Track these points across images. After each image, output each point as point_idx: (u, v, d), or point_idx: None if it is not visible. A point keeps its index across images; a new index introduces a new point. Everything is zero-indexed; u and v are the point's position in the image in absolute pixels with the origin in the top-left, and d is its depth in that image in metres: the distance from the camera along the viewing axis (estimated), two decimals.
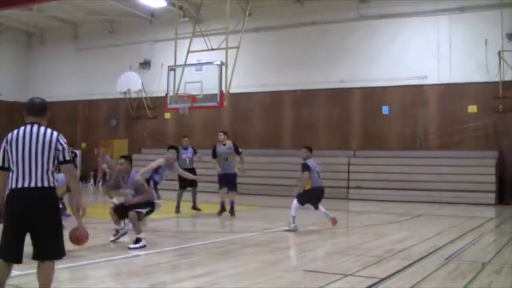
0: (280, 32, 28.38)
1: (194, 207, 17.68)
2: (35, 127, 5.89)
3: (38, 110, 6.08)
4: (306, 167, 13.49)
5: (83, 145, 33.49)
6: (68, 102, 34.64)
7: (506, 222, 17.43)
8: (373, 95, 26.27)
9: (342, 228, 14.93)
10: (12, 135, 5.80)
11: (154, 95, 30.22)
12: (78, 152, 31.96)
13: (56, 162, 5.90)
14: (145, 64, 32.36)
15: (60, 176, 6.20)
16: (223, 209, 16.94)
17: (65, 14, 33.22)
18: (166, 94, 23.24)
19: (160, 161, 14.16)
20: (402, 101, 25.76)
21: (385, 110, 26.00)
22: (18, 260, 5.73)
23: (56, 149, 5.91)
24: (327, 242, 12.24)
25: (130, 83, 30.77)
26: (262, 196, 24.50)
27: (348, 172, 24.97)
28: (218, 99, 21.86)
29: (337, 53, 26.94)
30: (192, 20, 28.32)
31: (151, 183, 13.31)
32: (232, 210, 16.79)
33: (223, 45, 22.45)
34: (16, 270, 7.89)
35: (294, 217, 13.37)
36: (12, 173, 5.73)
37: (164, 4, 28.69)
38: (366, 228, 14.74)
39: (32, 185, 5.69)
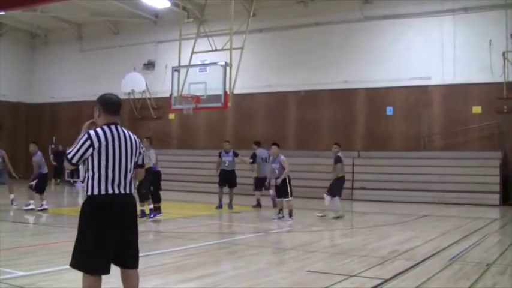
0: (284, 33, 28.37)
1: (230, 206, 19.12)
2: (120, 129, 5.55)
3: (118, 109, 5.69)
4: (339, 160, 16.77)
5: None
6: (71, 103, 34.70)
7: (511, 223, 17.39)
8: (378, 96, 26.24)
9: (346, 229, 14.95)
10: (100, 138, 5.34)
11: (159, 95, 30.22)
12: None
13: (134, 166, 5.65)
14: (150, 65, 32.38)
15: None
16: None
17: (69, 15, 33.28)
18: (171, 95, 23.25)
19: None
20: (406, 102, 25.73)
21: (389, 110, 25.97)
22: (108, 271, 5.33)
23: (140, 153, 5.71)
24: (330, 242, 12.26)
25: (134, 83, 30.76)
26: (264, 197, 24.47)
27: (352, 173, 24.92)
28: (222, 100, 21.89)
29: (341, 54, 26.92)
30: (196, 21, 28.31)
31: None
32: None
33: (227, 46, 22.46)
34: (20, 271, 7.96)
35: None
36: (100, 177, 5.30)
37: (168, 5, 28.69)
38: (370, 229, 14.72)
39: (126, 191, 5.44)
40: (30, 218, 15.25)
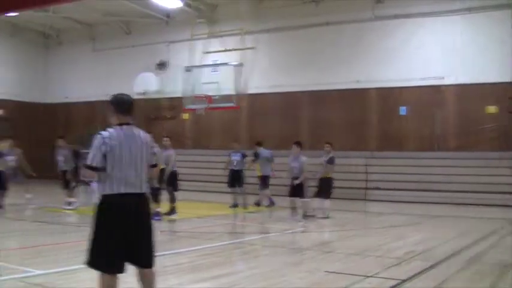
0: (295, 33, 28.25)
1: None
2: (133, 129, 5.59)
3: (130, 109, 5.71)
4: (333, 160, 16.65)
5: None
6: (85, 103, 34.76)
7: None
8: (390, 96, 26.10)
9: (361, 230, 14.89)
10: (113, 138, 5.40)
11: (172, 95, 30.21)
12: None
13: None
14: (162, 65, 32.35)
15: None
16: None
17: (81, 15, 33.35)
18: (183, 95, 23.32)
19: None
20: (419, 102, 25.55)
21: (402, 110, 25.81)
22: (123, 270, 5.41)
23: (152, 152, 5.77)
24: (346, 243, 12.20)
25: (147, 83, 30.78)
26: (278, 197, 24.41)
27: (366, 173, 24.83)
28: (234, 100, 21.95)
29: (353, 54, 26.78)
30: (207, 21, 28.40)
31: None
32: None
33: (239, 46, 22.51)
34: (37, 270, 7.98)
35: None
36: (114, 177, 5.35)
37: (180, 5, 28.69)
38: (385, 230, 14.66)
39: (138, 190, 5.46)
40: (46, 217, 15.29)
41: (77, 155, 33.60)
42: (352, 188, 23.72)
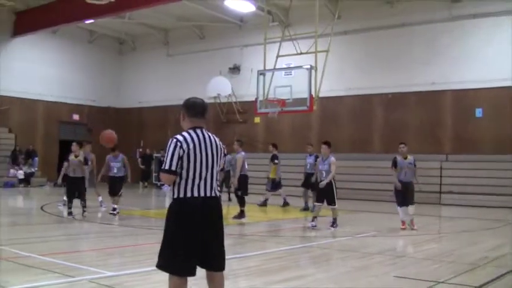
0: (370, 34, 28.01)
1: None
2: (205, 133, 5.56)
3: (203, 112, 5.67)
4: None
5: None
6: (158, 107, 35.39)
7: None
8: (465, 97, 25.53)
9: (434, 234, 14.64)
10: (188, 142, 5.39)
11: (244, 99, 30.41)
12: None
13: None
14: (235, 69, 32.62)
15: None
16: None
17: (156, 21, 33.97)
18: (256, 98, 23.40)
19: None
20: (496, 103, 24.89)
21: (478, 112, 25.23)
22: (195, 273, 5.39)
23: (223, 155, 5.74)
24: (418, 247, 12.01)
25: (220, 87, 31.10)
26: (350, 201, 24.24)
27: (440, 176, 24.38)
28: (308, 103, 21.89)
29: (428, 55, 26.34)
30: (280, 24, 28.44)
31: None
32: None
33: (312, 49, 22.44)
34: (108, 271, 8.15)
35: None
36: (187, 180, 5.36)
37: (253, 9, 28.89)
38: (458, 234, 14.37)
39: (213, 193, 5.47)
40: (118, 220, 15.59)
41: (149, 159, 34.24)
42: (426, 192, 23.34)
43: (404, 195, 14.52)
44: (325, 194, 14.35)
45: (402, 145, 14.84)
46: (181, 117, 5.68)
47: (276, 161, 20.65)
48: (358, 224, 16.24)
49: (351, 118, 28.46)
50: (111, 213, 16.24)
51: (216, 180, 5.54)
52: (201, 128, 5.57)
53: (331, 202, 14.39)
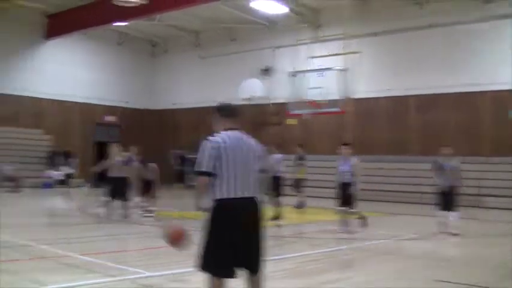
0: (402, 35, 27.67)
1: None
2: (240, 134, 5.62)
3: (237, 114, 5.77)
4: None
5: None
6: (192, 109, 35.46)
7: None
8: (503, 98, 25.07)
9: (474, 238, 14.35)
10: (223, 142, 5.41)
11: (277, 101, 30.30)
12: None
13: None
14: (267, 70, 32.51)
15: None
16: None
17: (187, 23, 34.07)
18: (288, 100, 23.34)
19: None
20: None
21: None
22: (234, 275, 5.39)
23: (261, 156, 5.75)
24: (458, 251, 11.81)
25: (252, 89, 31.03)
26: (386, 203, 24.00)
27: (479, 179, 23.93)
28: (340, 105, 21.79)
29: (462, 55, 25.90)
30: (311, 26, 28.31)
31: None
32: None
33: (343, 50, 22.32)
34: (148, 272, 8.14)
35: None
36: (225, 181, 5.37)
37: (284, 10, 28.79)
38: (499, 239, 14.02)
39: (250, 194, 5.45)
40: (157, 221, 15.59)
41: (183, 161, 34.31)
42: (465, 194, 22.97)
43: (446, 200, 13.85)
44: (350, 197, 13.61)
45: (445, 147, 14.19)
46: (214, 120, 5.72)
47: (303, 162, 20.45)
48: (396, 227, 16.03)
49: (386, 119, 28.18)
50: (146, 216, 16.24)
51: (254, 180, 5.52)
52: (234, 129, 5.59)
53: (352, 205, 13.72)
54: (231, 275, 5.34)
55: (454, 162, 14.12)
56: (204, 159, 5.36)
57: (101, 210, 15.71)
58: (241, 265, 5.40)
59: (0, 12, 28.10)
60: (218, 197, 5.36)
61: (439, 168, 13.98)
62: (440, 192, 13.95)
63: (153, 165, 17.04)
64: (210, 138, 5.45)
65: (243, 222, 5.34)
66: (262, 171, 5.78)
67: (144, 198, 16.68)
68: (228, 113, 5.70)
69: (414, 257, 10.65)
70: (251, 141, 5.65)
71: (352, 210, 13.73)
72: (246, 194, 5.41)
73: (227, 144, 5.40)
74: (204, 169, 5.35)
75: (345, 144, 14.12)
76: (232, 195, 5.34)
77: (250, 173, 5.48)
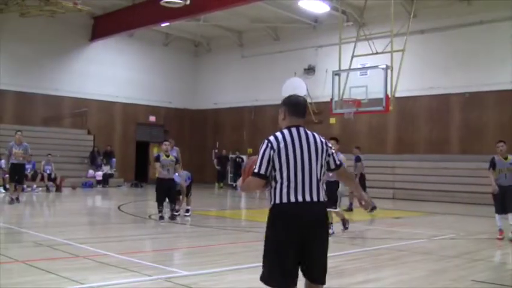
0: (447, 33, 27.42)
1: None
2: (303, 131, 5.10)
3: (303, 111, 5.27)
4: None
5: (249, 150, 33.88)
6: (233, 108, 35.66)
7: None
8: None
9: None
10: (280, 141, 4.96)
11: (320, 100, 30.27)
12: (244, 158, 32.63)
13: (324, 170, 5.12)
14: (310, 70, 32.53)
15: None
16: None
17: (230, 23, 34.24)
18: (331, 99, 23.29)
19: None
20: None
21: None
22: (294, 285, 4.93)
23: (327, 154, 5.15)
24: (498, 251, 11.70)
25: (295, 88, 30.88)
26: (427, 202, 23.83)
27: None
28: (384, 104, 21.66)
29: (508, 53, 25.55)
30: (355, 24, 28.17)
31: None
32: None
33: (388, 49, 22.18)
34: (184, 271, 8.25)
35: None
36: (284, 184, 4.89)
37: (327, 9, 28.77)
38: None
39: (314, 198, 4.92)
40: (194, 221, 15.74)
41: (225, 160, 34.48)
42: None
43: (503, 201, 12.80)
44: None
45: (501, 143, 13.13)
46: (281, 116, 5.23)
47: (359, 163, 20.37)
48: (435, 226, 15.97)
49: (428, 118, 27.95)
50: (183, 215, 16.23)
51: (319, 182, 5.01)
52: (297, 127, 5.13)
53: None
54: (288, 286, 4.90)
55: None
56: (259, 160, 4.97)
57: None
58: (303, 273, 5.02)
59: (49, 14, 28.58)
60: (276, 201, 4.91)
61: (494, 167, 13.14)
62: (498, 193, 12.96)
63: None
64: (269, 137, 5.03)
65: (302, 229, 4.85)
66: (337, 167, 5.27)
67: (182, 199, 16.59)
68: (296, 109, 5.21)
69: (453, 256, 10.63)
70: (315, 138, 5.14)
71: (334, 210, 13.08)
72: (308, 198, 4.90)
73: (282, 142, 4.95)
74: (256, 170, 4.95)
75: (331, 139, 12.98)
76: (291, 199, 4.87)
77: (312, 174, 4.96)
